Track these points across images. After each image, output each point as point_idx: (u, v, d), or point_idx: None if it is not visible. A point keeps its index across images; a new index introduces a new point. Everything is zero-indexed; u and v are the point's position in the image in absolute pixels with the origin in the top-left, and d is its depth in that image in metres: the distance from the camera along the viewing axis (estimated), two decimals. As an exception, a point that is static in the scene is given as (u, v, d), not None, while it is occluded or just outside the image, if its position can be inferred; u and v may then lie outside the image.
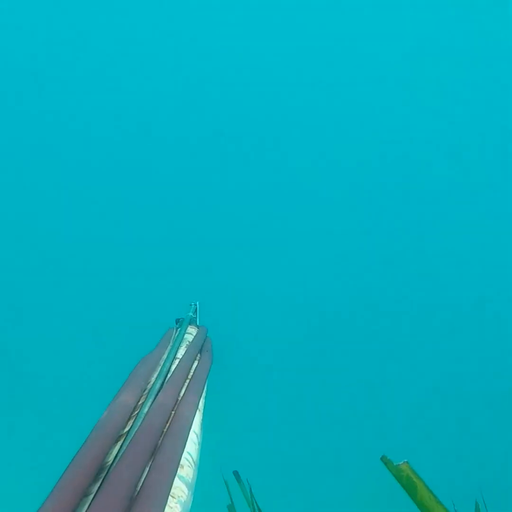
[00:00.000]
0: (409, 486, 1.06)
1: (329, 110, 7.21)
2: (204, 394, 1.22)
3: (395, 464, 1.07)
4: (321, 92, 7.25)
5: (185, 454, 0.95)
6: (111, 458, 0.87)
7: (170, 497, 0.82)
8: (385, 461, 1.09)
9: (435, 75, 7.03)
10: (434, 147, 7.07)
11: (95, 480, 0.81)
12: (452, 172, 6.96)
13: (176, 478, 0.87)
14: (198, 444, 1.06)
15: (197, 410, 1.12)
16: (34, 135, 6.94)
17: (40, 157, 6.88)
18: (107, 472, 0.83)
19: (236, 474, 2.53)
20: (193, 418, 1.06)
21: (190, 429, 1.02)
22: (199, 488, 0.97)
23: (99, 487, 0.78)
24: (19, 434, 5.54)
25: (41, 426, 5.57)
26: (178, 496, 0.85)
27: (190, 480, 0.93)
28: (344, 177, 7.03)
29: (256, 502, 2.35)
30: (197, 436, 1.07)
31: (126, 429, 0.95)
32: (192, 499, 0.91)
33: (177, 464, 0.89)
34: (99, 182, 6.93)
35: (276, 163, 7.12)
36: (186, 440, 0.98)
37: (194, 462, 0.99)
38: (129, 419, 0.99)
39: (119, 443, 0.91)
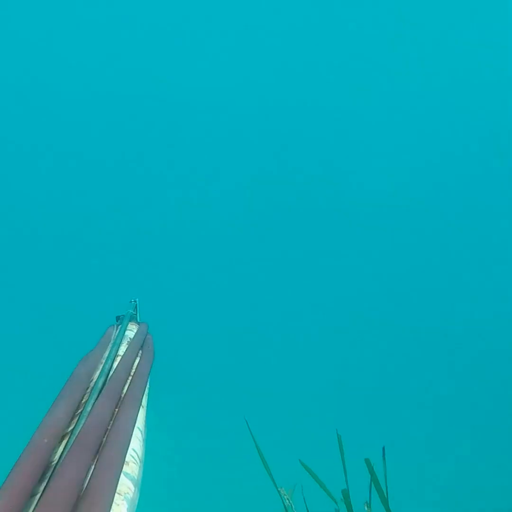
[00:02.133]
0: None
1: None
2: (147, 391, 1.22)
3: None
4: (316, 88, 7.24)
5: (130, 451, 0.95)
6: (56, 457, 0.86)
7: (116, 494, 0.82)
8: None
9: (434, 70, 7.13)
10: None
11: (41, 480, 0.81)
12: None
13: (122, 475, 0.87)
14: (143, 441, 1.06)
15: (141, 407, 1.12)
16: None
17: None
18: (52, 471, 0.82)
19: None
20: (137, 415, 1.07)
21: (134, 426, 1.02)
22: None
23: (45, 487, 0.78)
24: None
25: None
26: (125, 493, 0.86)
27: (135, 477, 0.93)
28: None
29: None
30: (141, 432, 1.07)
31: (70, 428, 0.94)
32: (138, 496, 0.92)
33: (122, 461, 0.90)
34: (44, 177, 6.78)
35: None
36: (131, 437, 0.98)
37: (139, 459, 0.99)
38: (73, 418, 0.98)
39: (64, 442, 0.90)
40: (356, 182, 6.98)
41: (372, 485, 1.96)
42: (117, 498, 0.82)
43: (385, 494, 1.99)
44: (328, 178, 7.03)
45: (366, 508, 2.14)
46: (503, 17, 7.11)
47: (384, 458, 1.96)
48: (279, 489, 2.18)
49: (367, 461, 1.97)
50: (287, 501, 2.16)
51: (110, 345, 1.34)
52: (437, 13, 7.10)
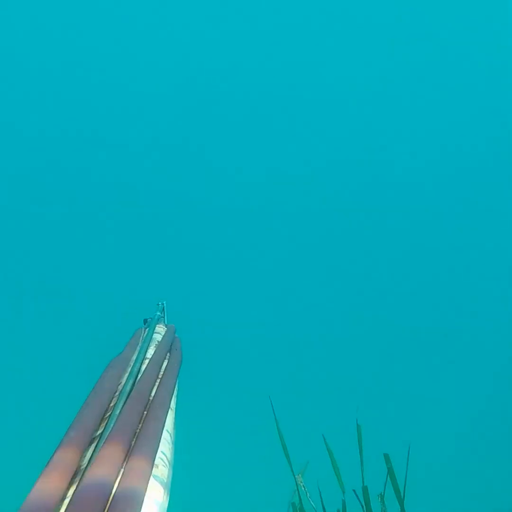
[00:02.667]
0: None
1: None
2: (175, 393, 1.22)
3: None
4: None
5: (159, 454, 0.95)
6: (85, 462, 0.87)
7: (146, 497, 0.82)
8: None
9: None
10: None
11: (70, 484, 0.81)
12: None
13: (152, 478, 0.87)
14: (172, 443, 1.06)
15: (169, 409, 1.12)
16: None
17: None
18: (82, 476, 0.83)
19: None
20: (166, 418, 1.07)
21: (163, 429, 1.02)
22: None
23: (74, 492, 0.78)
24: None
25: (7, 433, 5.49)
26: (154, 497, 0.86)
27: (165, 480, 0.93)
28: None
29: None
30: (170, 435, 1.07)
31: (99, 432, 0.95)
32: (168, 499, 0.91)
33: (151, 464, 0.89)
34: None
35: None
36: (160, 440, 0.98)
37: (168, 462, 0.99)
38: (101, 422, 0.98)
39: (93, 446, 0.91)
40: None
41: (388, 480, 1.94)
42: (146, 502, 0.82)
43: (402, 493, 1.97)
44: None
45: (379, 500, 2.14)
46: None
47: (408, 457, 1.95)
48: (295, 476, 2.19)
49: (386, 456, 1.96)
50: (301, 485, 2.16)
51: (138, 348, 1.34)
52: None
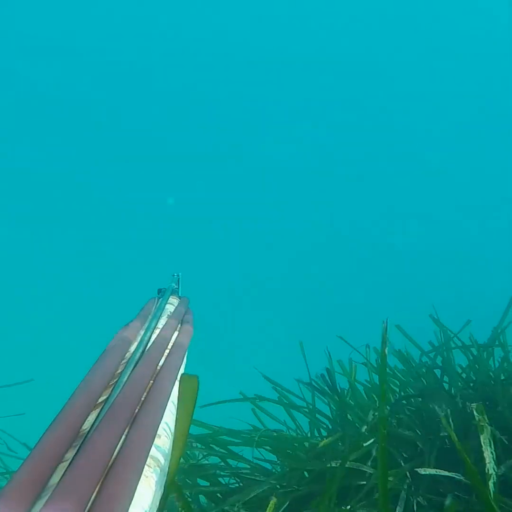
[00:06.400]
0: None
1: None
2: (183, 365, 1.22)
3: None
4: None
5: (162, 424, 0.96)
6: (87, 426, 0.87)
7: (146, 466, 0.83)
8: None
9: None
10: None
11: (71, 447, 0.81)
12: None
13: (153, 448, 0.88)
14: (176, 415, 1.06)
15: (176, 380, 1.12)
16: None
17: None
18: (83, 440, 0.83)
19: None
20: (172, 389, 1.07)
21: (168, 399, 1.02)
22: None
23: (75, 455, 0.79)
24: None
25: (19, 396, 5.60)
26: (155, 466, 0.86)
27: (166, 450, 0.93)
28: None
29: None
30: (175, 406, 1.07)
31: (104, 397, 0.95)
32: (167, 469, 0.92)
33: (154, 433, 0.90)
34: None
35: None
36: (164, 410, 0.98)
37: (171, 433, 0.99)
38: (107, 388, 0.99)
39: (97, 411, 0.91)
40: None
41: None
42: (146, 470, 0.82)
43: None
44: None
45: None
46: None
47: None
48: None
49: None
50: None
51: (149, 317, 1.34)
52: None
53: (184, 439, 1.02)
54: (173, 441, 1.00)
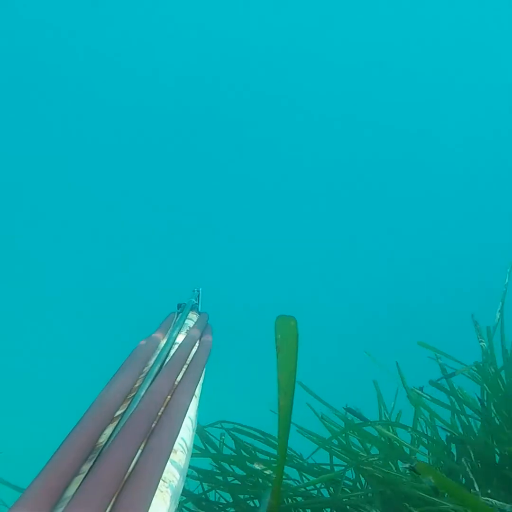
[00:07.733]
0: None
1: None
2: (201, 381, 1.22)
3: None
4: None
5: (179, 439, 0.96)
6: (104, 439, 0.87)
7: (161, 481, 0.83)
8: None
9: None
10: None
11: (87, 460, 0.82)
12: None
13: (169, 463, 0.88)
14: (193, 430, 1.06)
15: (194, 396, 1.12)
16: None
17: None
18: (99, 453, 0.83)
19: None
20: (189, 404, 1.06)
21: (185, 415, 1.02)
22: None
23: (90, 468, 0.79)
24: (16, 417, 5.59)
25: (36, 409, 5.63)
26: (170, 481, 0.86)
27: (182, 466, 0.93)
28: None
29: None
30: (192, 422, 1.07)
31: (121, 411, 0.95)
32: (183, 485, 0.92)
33: (170, 448, 0.90)
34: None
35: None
36: (181, 425, 0.98)
37: (187, 448, 0.99)
38: (124, 401, 0.99)
39: (113, 425, 0.91)
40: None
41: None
42: (161, 485, 0.82)
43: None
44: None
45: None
46: None
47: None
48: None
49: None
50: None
51: (169, 332, 1.35)
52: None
53: (292, 389, 1.02)
54: (279, 391, 1.00)
